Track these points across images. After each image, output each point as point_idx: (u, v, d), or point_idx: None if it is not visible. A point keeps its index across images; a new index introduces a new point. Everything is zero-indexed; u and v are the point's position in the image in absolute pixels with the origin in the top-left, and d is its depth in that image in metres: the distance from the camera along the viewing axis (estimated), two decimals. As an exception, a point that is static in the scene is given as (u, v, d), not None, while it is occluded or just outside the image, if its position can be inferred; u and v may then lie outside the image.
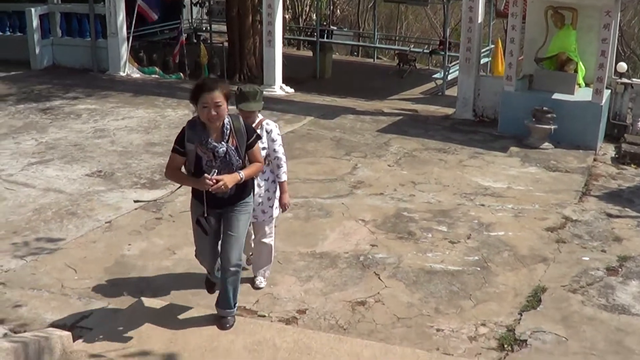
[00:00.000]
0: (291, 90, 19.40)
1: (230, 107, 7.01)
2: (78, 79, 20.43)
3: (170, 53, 23.33)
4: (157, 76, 21.76)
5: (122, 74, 21.04)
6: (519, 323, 8.03)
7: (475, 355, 7.37)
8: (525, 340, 7.67)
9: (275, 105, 17.23)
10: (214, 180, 6.76)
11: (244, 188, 7.21)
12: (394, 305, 8.39)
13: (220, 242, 7.33)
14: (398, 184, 12.29)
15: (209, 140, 6.84)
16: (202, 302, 8.14)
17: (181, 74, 22.30)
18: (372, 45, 29.38)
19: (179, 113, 16.60)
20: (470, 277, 9.06)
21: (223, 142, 6.88)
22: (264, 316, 8.09)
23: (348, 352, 6.97)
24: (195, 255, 7.81)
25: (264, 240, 8.46)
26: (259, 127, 8.04)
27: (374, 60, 29.01)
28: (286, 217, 10.61)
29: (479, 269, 9.27)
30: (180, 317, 7.56)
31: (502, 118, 15.62)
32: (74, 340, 7.16)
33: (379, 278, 9.01)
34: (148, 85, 20.12)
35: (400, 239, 10.11)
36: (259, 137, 7.31)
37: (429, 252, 9.72)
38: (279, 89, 19.15)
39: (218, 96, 6.74)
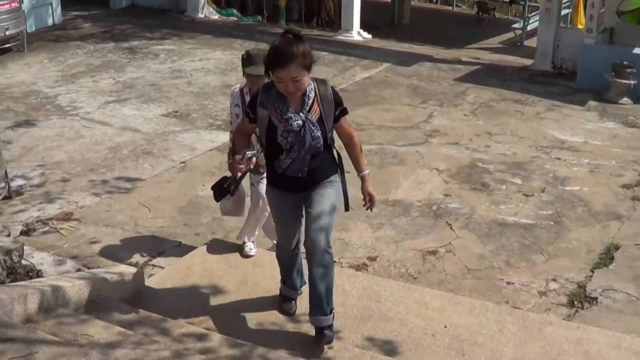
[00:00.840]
0: (369, 36, 19.23)
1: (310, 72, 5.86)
2: (156, 19, 20.51)
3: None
4: (234, 18, 21.73)
5: (200, 15, 21.06)
6: (590, 280, 7.93)
7: (545, 311, 7.30)
8: (596, 298, 7.57)
9: (352, 50, 17.14)
10: (246, 166, 5.94)
11: (326, 167, 6.05)
12: (465, 256, 8.35)
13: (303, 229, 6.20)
14: (473, 134, 12.16)
15: (285, 109, 5.76)
16: (272, 245, 8.18)
17: (259, 16, 22.23)
18: (452, -8, 28.98)
19: (258, 55, 16.57)
20: (543, 231, 8.96)
21: (302, 114, 5.76)
22: (335, 262, 8.08)
23: (417, 301, 6.95)
24: (277, 252, 6.64)
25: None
26: None
27: (452, 8, 28.57)
28: (360, 164, 10.60)
29: (552, 223, 9.16)
30: (251, 259, 7.61)
31: (581, 71, 15.31)
32: (145, 278, 7.26)
33: (451, 228, 8.97)
34: (225, 27, 20.11)
35: (474, 189, 10.03)
36: (346, 109, 6.01)
37: (502, 204, 9.63)
38: (357, 34, 19.00)
39: (295, 71, 5.58)
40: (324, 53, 16.69)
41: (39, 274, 6.93)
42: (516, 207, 9.53)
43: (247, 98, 7.01)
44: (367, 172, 6.13)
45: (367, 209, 6.21)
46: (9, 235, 7.46)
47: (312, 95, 5.82)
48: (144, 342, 5.63)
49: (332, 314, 6.22)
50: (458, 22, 24.64)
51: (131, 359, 5.34)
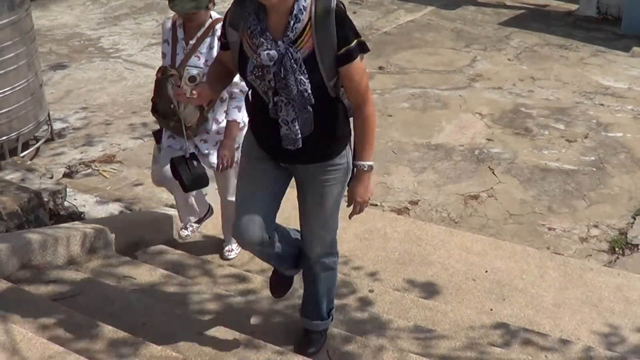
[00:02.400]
0: (412, -21, 19.05)
1: None
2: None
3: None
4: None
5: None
6: (631, 227, 7.88)
7: (586, 257, 7.28)
8: (637, 245, 7.52)
9: (396, -8, 17.02)
10: (190, 92, 4.38)
11: (332, 137, 4.32)
12: (506, 201, 8.32)
13: (302, 224, 4.73)
14: (517, 78, 12.04)
15: (258, 29, 4.00)
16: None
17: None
18: None
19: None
20: (585, 177, 8.89)
21: (281, 42, 3.96)
22: (376, 205, 8.12)
23: (458, 245, 6.97)
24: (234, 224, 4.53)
25: (230, 197, 6.26)
26: (209, 33, 5.70)
27: (497, -50, 28.21)
28: (403, 107, 10.57)
29: (594, 169, 9.08)
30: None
31: (626, 17, 15.03)
32: (188, 221, 7.32)
33: (493, 173, 8.93)
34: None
35: (517, 134, 9.96)
36: (364, 49, 4.08)
37: (544, 149, 9.56)
38: (400, -24, 18.81)
39: None
40: (367, -5, 16.58)
41: (81, 216, 7.02)
42: (559, 153, 9.46)
43: (180, 33, 5.81)
44: (369, 163, 4.33)
45: (349, 217, 4.56)
46: (51, 178, 7.53)
47: (303, 15, 3.97)
48: (186, 284, 5.71)
49: (330, 317, 5.12)
50: (502, -36, 24.30)
51: (173, 301, 5.42)
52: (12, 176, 7.09)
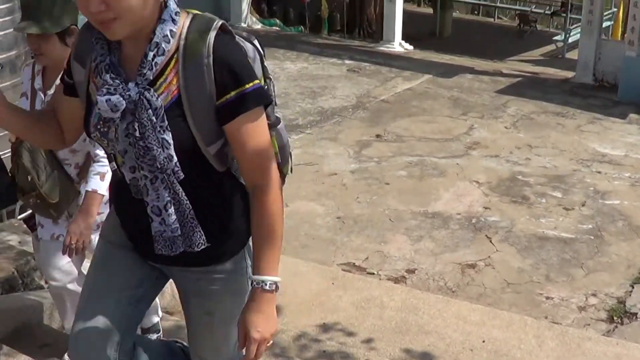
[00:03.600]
0: (410, 47, 19.22)
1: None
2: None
3: (291, 5, 23.37)
4: (277, 28, 21.82)
5: (243, 24, 21.13)
6: (630, 295, 7.87)
7: (584, 326, 7.26)
8: (636, 314, 7.51)
9: (393, 61, 17.13)
10: None
11: (222, 232, 2.99)
12: (504, 269, 8.32)
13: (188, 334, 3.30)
14: (514, 146, 12.12)
15: (106, 66, 2.67)
16: (312, 256, 8.23)
17: (301, 26, 22.32)
18: (493, 4, 28.94)
19: (298, 66, 16.63)
20: (583, 246, 8.90)
21: (134, 83, 2.66)
22: (373, 274, 8.12)
23: (455, 315, 6.95)
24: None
25: (72, 287, 4.72)
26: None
27: (494, 20, 28.55)
28: (400, 175, 10.62)
29: (592, 237, 9.10)
30: (289, 269, 7.63)
31: (622, 84, 15.19)
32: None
33: (491, 241, 8.94)
34: (268, 36, 20.15)
35: (514, 202, 10.00)
36: (261, 99, 2.76)
37: (542, 217, 9.59)
38: (398, 45, 18.99)
39: None
40: (365, 64, 16.72)
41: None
42: (556, 221, 9.49)
43: (38, 82, 4.46)
44: (273, 279, 2.88)
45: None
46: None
47: (169, 45, 2.67)
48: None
49: None
50: (500, 34, 24.61)
51: None
52: (9, 239, 7.08)
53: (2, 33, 8.69)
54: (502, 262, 8.47)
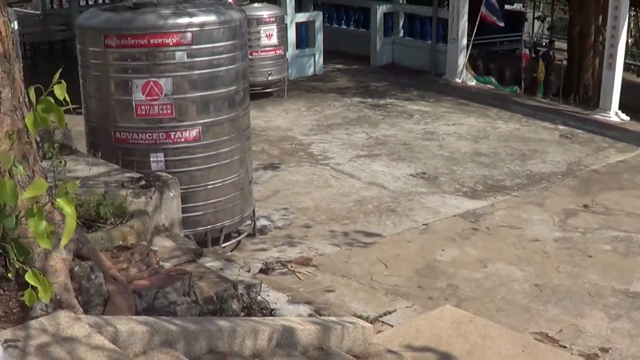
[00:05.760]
0: (627, 118, 18.64)
1: None
2: (414, 80, 20.76)
3: (508, 65, 23.22)
4: (491, 86, 21.65)
5: (457, 80, 21.13)
6: None
7: None
8: None
9: (608, 131, 16.66)
10: None
11: None
12: None
13: None
14: None
15: None
16: (505, 320, 8.05)
17: (516, 87, 22.08)
18: None
19: (510, 127, 16.44)
20: None
21: None
22: (565, 347, 7.86)
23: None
24: None
25: None
26: None
27: None
28: (604, 250, 10.25)
29: None
30: (480, 331, 7.49)
31: None
32: (373, 333, 7.29)
33: (695, 330, 8.50)
34: (481, 94, 20.08)
35: None
36: None
37: None
38: (614, 114, 18.44)
39: None
40: (579, 131, 16.34)
41: (272, 312, 7.10)
42: None
43: None
44: None
45: None
46: (248, 271, 7.69)
47: None
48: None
49: None
50: None
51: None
52: (212, 264, 7.27)
53: (223, 69, 9.05)
54: None
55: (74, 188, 3.99)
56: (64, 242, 4.00)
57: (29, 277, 3.94)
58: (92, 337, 4.64)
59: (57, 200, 3.72)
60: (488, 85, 21.65)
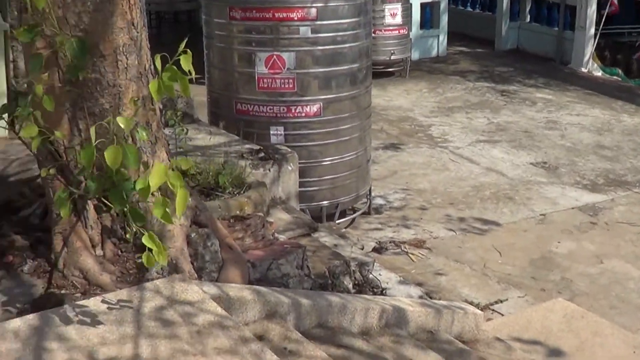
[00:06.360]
0: None
1: None
2: (539, 67, 20.35)
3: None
4: (618, 78, 21.09)
5: (583, 69, 20.65)
6: None
7: None
8: None
9: None
10: None
11: None
12: None
13: None
14: None
15: None
16: (618, 319, 7.83)
17: (644, 80, 21.49)
18: None
19: (635, 120, 15.95)
20: None
21: None
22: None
23: None
24: None
25: None
26: None
27: None
28: None
29: None
30: (592, 327, 7.32)
31: None
32: (483, 321, 7.20)
33: None
34: (607, 85, 19.57)
35: None
36: None
37: None
38: None
39: None
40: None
41: (383, 291, 7.09)
42: None
43: None
44: None
45: None
46: (362, 249, 7.70)
47: None
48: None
49: None
50: None
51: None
52: (325, 239, 7.31)
53: (347, 46, 9.07)
54: None
55: (187, 164, 4.04)
56: (178, 213, 4.07)
57: (146, 240, 4.01)
58: (205, 302, 4.71)
59: (170, 173, 3.77)
60: (614, 77, 21.11)
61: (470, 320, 6.86)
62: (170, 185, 3.87)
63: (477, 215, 10.26)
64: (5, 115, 4.63)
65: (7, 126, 4.79)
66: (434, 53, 20.53)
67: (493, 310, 7.84)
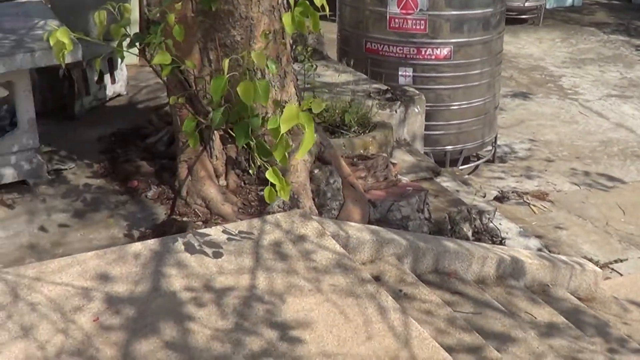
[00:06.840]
0: None
1: None
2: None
3: None
4: None
5: None
6: None
7: None
8: None
9: None
10: None
11: None
12: None
13: None
14: None
15: None
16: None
17: None
18: None
19: None
20: None
21: None
22: None
23: None
24: None
25: None
26: None
27: None
28: None
29: None
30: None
31: None
32: (601, 279, 7.09)
33: None
34: None
35: None
36: None
37: None
38: None
39: None
40: None
41: (502, 241, 7.03)
42: None
43: None
44: None
45: None
46: (484, 197, 7.65)
47: None
48: (580, 339, 5.52)
49: None
50: None
51: (563, 354, 5.25)
52: (448, 184, 7.29)
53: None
54: None
55: (319, 107, 4.05)
56: (299, 155, 4.09)
57: (269, 175, 4.05)
58: (323, 238, 4.76)
59: (300, 114, 3.78)
60: None
61: (589, 277, 6.76)
62: (299, 127, 3.89)
63: (603, 171, 10.04)
64: (137, 44, 4.72)
65: (138, 53, 4.89)
66: (569, 2, 19.98)
67: (612, 269, 7.70)
